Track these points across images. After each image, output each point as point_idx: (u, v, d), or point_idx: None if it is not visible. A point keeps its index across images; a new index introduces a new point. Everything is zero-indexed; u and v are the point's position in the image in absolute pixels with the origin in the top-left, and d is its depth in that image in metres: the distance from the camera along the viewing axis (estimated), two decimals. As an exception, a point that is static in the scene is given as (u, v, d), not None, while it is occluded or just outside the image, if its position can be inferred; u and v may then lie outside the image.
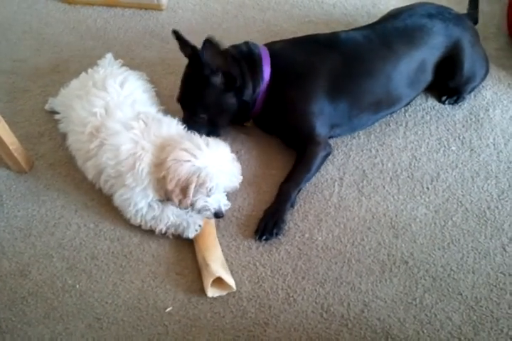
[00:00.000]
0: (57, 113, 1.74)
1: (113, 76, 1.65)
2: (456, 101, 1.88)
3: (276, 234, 1.53)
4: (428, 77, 1.77)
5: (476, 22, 1.92)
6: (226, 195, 1.52)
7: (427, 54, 1.72)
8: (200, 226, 1.50)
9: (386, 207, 1.62)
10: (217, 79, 1.61)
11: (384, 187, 1.66)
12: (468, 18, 1.88)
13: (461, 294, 1.44)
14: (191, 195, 1.42)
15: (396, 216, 1.60)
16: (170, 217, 1.50)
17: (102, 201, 1.61)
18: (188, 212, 1.51)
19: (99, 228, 1.56)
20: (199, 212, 1.48)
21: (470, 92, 1.88)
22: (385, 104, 1.74)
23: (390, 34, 1.71)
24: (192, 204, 1.45)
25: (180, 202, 1.44)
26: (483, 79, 1.88)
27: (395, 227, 1.57)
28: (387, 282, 1.46)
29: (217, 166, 1.42)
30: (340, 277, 1.47)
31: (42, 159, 1.71)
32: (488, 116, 1.84)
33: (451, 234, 1.56)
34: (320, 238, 1.54)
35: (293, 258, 1.50)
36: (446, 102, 1.88)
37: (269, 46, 1.72)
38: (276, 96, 1.67)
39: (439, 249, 1.53)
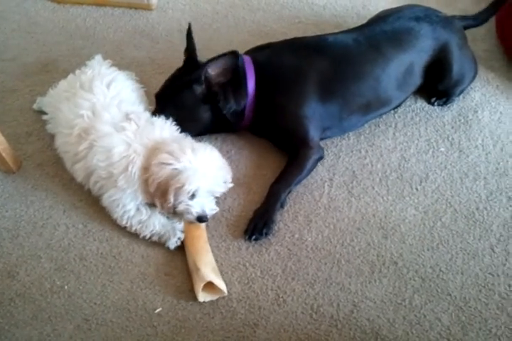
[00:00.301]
0: (46, 113, 1.72)
1: (100, 77, 1.64)
2: (445, 103, 1.89)
3: (266, 234, 1.53)
4: (417, 79, 1.77)
5: (478, 24, 1.92)
6: (215, 198, 1.51)
7: (415, 57, 1.73)
8: (179, 238, 1.49)
9: (375, 207, 1.62)
10: (199, 89, 1.63)
11: (373, 188, 1.67)
12: (467, 19, 1.89)
13: (450, 295, 1.44)
14: (171, 198, 1.41)
15: (385, 217, 1.60)
16: (156, 225, 1.50)
17: (90, 201, 1.59)
18: (172, 222, 1.52)
19: (87, 228, 1.55)
20: (182, 215, 1.47)
21: (459, 94, 1.89)
22: (375, 106, 1.75)
23: (378, 37, 1.71)
24: (174, 208, 1.45)
25: (161, 205, 1.44)
26: (471, 81, 1.90)
27: (385, 228, 1.58)
28: (377, 283, 1.46)
29: (200, 169, 1.41)
30: (329, 278, 1.47)
31: (30, 159, 1.70)
32: (477, 118, 1.85)
33: (440, 234, 1.57)
34: (310, 238, 1.54)
35: (283, 259, 1.50)
36: (436, 104, 1.89)
37: (253, 55, 1.72)
38: (266, 105, 1.67)
39: (428, 250, 1.53)
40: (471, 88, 1.93)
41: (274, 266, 1.49)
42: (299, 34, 2.03)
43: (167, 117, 1.58)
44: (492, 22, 2.14)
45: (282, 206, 1.60)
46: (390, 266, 1.50)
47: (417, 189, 1.67)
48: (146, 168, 1.43)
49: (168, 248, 1.50)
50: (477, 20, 1.93)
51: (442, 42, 1.75)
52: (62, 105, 1.59)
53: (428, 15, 1.77)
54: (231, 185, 1.52)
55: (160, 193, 1.42)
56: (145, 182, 1.44)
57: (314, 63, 1.66)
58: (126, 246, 1.52)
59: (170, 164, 1.40)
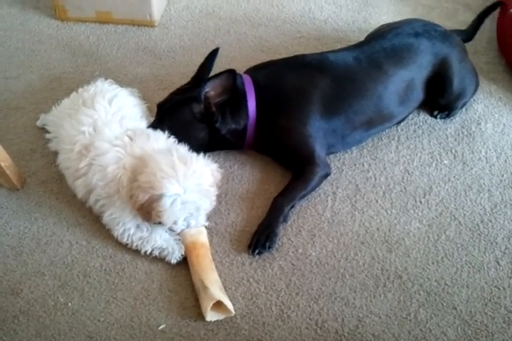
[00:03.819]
0: (49, 131, 1.74)
1: (102, 93, 1.65)
2: (447, 116, 1.89)
3: (269, 248, 1.52)
4: (419, 95, 1.78)
5: (469, 39, 1.94)
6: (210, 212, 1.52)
7: (416, 73, 1.73)
8: (182, 255, 1.49)
9: (379, 221, 1.62)
10: (197, 108, 1.63)
11: (377, 201, 1.66)
12: (461, 33, 1.91)
13: (455, 308, 1.43)
14: (155, 219, 1.42)
15: (389, 230, 1.59)
16: (157, 240, 1.49)
17: (93, 218, 1.59)
18: (174, 237, 1.52)
19: (91, 245, 1.55)
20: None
21: (461, 108, 1.89)
22: (377, 122, 1.75)
23: (378, 55, 1.71)
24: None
25: (147, 221, 1.46)
26: (473, 94, 1.90)
27: (389, 242, 1.57)
28: (382, 297, 1.45)
29: (183, 196, 1.39)
30: (334, 292, 1.46)
31: (34, 176, 1.71)
32: (480, 130, 1.85)
33: (444, 248, 1.56)
34: (313, 253, 1.54)
35: (286, 274, 1.50)
36: (438, 117, 1.89)
37: (253, 74, 1.73)
38: (269, 125, 1.67)
39: (432, 263, 1.52)
40: (474, 100, 1.93)
41: (278, 281, 1.48)
42: (301, 49, 2.06)
43: (163, 129, 1.59)
44: (493, 34, 2.16)
45: (285, 220, 1.59)
46: (394, 280, 1.48)
47: (420, 202, 1.66)
48: (133, 181, 1.43)
49: (170, 263, 1.50)
50: (468, 34, 1.96)
51: (442, 56, 1.75)
52: (64, 122, 1.60)
53: (427, 31, 1.77)
54: (213, 204, 1.50)
55: (144, 213, 1.42)
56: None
57: (316, 82, 1.67)
58: (129, 263, 1.52)
59: (149, 188, 1.38)
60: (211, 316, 1.39)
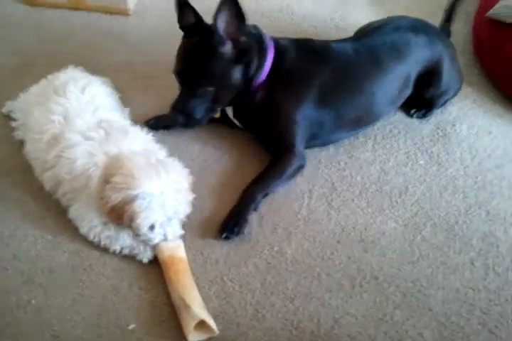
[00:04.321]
0: (14, 119, 1.65)
1: (74, 81, 1.58)
2: (424, 115, 1.89)
3: (237, 233, 1.50)
4: (409, 90, 1.77)
5: (448, 35, 1.94)
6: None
7: (412, 68, 1.72)
8: (153, 254, 1.43)
9: (355, 220, 1.59)
10: (227, 49, 1.50)
11: (353, 200, 1.64)
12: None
13: (431, 310, 1.42)
14: (127, 223, 1.35)
15: (365, 229, 1.57)
16: (125, 239, 1.43)
17: (59, 211, 1.51)
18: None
19: (57, 240, 1.48)
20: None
21: (441, 106, 1.89)
22: (364, 121, 1.74)
23: (378, 48, 1.68)
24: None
25: (118, 225, 1.39)
26: (456, 93, 1.90)
27: (365, 241, 1.55)
28: (358, 297, 1.43)
29: (157, 199, 1.32)
30: (310, 292, 1.43)
31: (-2, 165, 1.62)
32: (455, 131, 1.86)
33: (420, 248, 1.54)
34: (289, 251, 1.50)
35: (262, 273, 1.46)
36: (415, 115, 1.89)
37: (275, 39, 1.65)
38: (267, 95, 1.62)
39: (408, 264, 1.51)
40: (450, 102, 1.93)
41: (253, 280, 1.44)
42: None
43: (199, 95, 1.53)
44: (469, 37, 2.17)
45: (256, 208, 1.57)
46: (370, 280, 1.46)
47: (396, 202, 1.65)
48: (105, 181, 1.35)
49: (140, 261, 1.44)
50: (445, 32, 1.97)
51: (438, 53, 1.75)
52: (33, 110, 1.52)
53: (424, 26, 1.78)
54: (188, 209, 1.44)
55: (115, 216, 1.35)
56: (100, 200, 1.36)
57: (317, 70, 1.63)
58: (97, 259, 1.45)
59: (124, 189, 1.31)
60: (193, 336, 1.30)
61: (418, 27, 1.77)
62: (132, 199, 1.31)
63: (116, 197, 1.31)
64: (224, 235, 1.49)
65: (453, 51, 1.84)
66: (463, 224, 1.61)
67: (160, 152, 1.49)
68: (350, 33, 1.91)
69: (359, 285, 1.45)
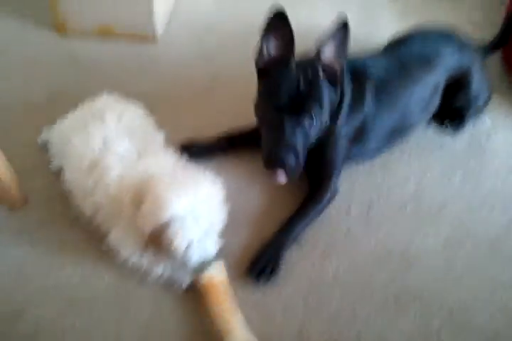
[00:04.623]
0: (51, 148, 1.68)
1: (111, 107, 1.61)
2: (457, 127, 1.87)
3: (269, 279, 1.44)
4: (437, 101, 1.76)
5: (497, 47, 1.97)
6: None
7: (442, 77, 1.71)
8: (191, 282, 1.41)
9: (396, 237, 1.57)
10: (329, 76, 1.45)
11: (392, 217, 1.62)
12: (491, 43, 1.94)
13: (479, 327, 1.38)
14: (165, 250, 1.31)
15: (406, 247, 1.55)
16: (166, 264, 1.41)
17: (99, 238, 1.50)
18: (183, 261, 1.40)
19: (97, 267, 1.48)
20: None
21: (473, 116, 1.87)
22: (399, 133, 1.72)
23: (408, 61, 1.67)
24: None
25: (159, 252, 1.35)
26: (487, 103, 1.88)
27: (407, 259, 1.52)
28: (403, 316, 1.40)
29: (190, 217, 1.28)
30: (354, 312, 1.41)
31: (36, 194, 1.63)
32: (490, 145, 1.84)
33: (463, 265, 1.52)
34: (330, 270, 1.49)
35: (303, 293, 1.44)
36: (449, 126, 1.87)
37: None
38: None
39: (452, 281, 1.48)
40: (483, 113, 1.91)
41: (295, 301, 1.42)
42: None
43: (303, 126, 1.42)
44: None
45: (290, 243, 1.52)
46: (414, 298, 1.44)
47: (436, 218, 1.63)
48: (136, 207, 1.33)
49: (179, 289, 1.43)
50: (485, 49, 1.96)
51: (467, 61, 1.74)
52: (72, 137, 1.54)
53: (452, 35, 1.77)
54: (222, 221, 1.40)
55: (153, 245, 1.33)
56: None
57: (364, 89, 1.59)
58: (138, 285, 1.45)
59: (155, 216, 1.27)
60: None
61: (446, 35, 1.77)
62: (165, 225, 1.28)
63: (149, 228, 1.29)
64: (254, 278, 1.44)
65: (482, 60, 1.83)
66: (505, 239, 1.58)
67: (191, 167, 1.46)
68: (379, 46, 1.90)
69: (403, 303, 1.43)
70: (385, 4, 2.46)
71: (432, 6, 2.42)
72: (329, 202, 1.60)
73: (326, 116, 1.47)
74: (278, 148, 1.41)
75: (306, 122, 1.42)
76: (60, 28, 2.18)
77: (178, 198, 1.29)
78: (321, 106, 1.43)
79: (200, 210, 1.31)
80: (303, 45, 2.00)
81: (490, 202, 1.67)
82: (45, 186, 1.66)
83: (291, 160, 1.41)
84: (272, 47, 1.46)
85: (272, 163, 1.44)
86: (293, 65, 1.44)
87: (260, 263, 1.46)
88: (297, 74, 1.42)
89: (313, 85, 1.42)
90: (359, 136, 1.62)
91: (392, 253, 1.53)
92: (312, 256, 1.52)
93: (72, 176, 1.52)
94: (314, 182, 1.62)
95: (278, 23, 1.41)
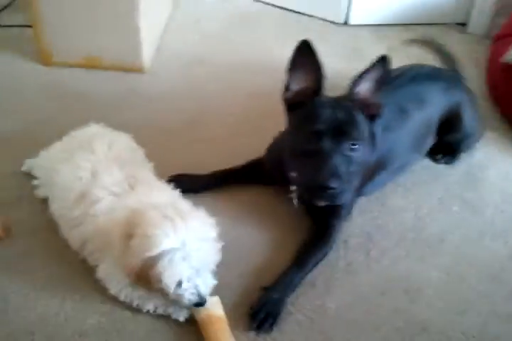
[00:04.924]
0: (37, 176, 1.60)
1: (100, 136, 1.55)
2: (451, 161, 1.86)
3: (270, 328, 1.34)
4: (432, 137, 1.76)
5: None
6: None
7: (434, 115, 1.70)
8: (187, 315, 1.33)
9: (397, 270, 1.52)
10: (357, 108, 1.41)
11: (392, 249, 1.58)
12: None
13: (488, 362, 1.33)
14: (155, 287, 1.24)
15: (408, 280, 1.50)
16: (159, 297, 1.32)
17: (87, 271, 1.43)
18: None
19: (86, 301, 1.39)
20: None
21: (466, 151, 1.87)
22: (398, 171, 1.71)
23: (400, 100, 1.65)
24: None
25: (148, 291, 1.28)
26: (479, 137, 1.89)
27: (410, 291, 1.47)
28: (409, 352, 1.34)
29: (180, 252, 1.21)
30: (358, 348, 1.34)
31: (21, 225, 1.55)
32: (485, 176, 1.83)
33: (467, 297, 1.47)
34: (332, 306, 1.42)
35: (305, 330, 1.36)
36: (442, 161, 1.86)
37: None
38: None
39: (457, 314, 1.42)
40: (475, 147, 1.91)
41: (297, 338, 1.34)
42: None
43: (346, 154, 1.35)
44: (483, 84, 2.18)
45: (294, 289, 1.43)
46: (420, 332, 1.37)
47: (436, 249, 1.59)
48: (125, 240, 1.26)
49: (176, 320, 1.34)
50: None
51: (457, 98, 1.74)
52: (59, 167, 1.47)
53: (440, 73, 1.78)
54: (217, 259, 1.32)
55: (142, 283, 1.26)
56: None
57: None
58: (130, 320, 1.35)
59: (143, 252, 1.20)
60: None
61: (434, 74, 1.77)
62: (153, 261, 1.20)
63: (137, 264, 1.21)
64: (255, 328, 1.34)
65: (472, 96, 1.84)
66: (508, 269, 1.54)
67: (185, 203, 1.40)
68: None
69: (409, 338, 1.36)
70: (374, 40, 2.49)
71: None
72: (335, 243, 1.54)
73: (367, 147, 1.41)
74: (323, 177, 1.30)
75: (350, 147, 1.35)
76: (45, 59, 2.15)
77: (167, 235, 1.21)
78: (361, 133, 1.38)
79: (191, 248, 1.23)
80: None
81: (490, 234, 1.64)
82: (31, 217, 1.58)
83: (339, 189, 1.32)
84: (300, 80, 1.42)
85: (318, 195, 1.36)
86: (324, 95, 1.41)
87: (262, 312, 1.36)
88: (332, 104, 1.39)
89: (350, 114, 1.38)
90: (373, 173, 1.59)
91: (394, 285, 1.48)
92: (312, 291, 1.45)
93: (58, 207, 1.45)
94: (320, 222, 1.55)
95: (304, 55, 1.37)
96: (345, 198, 1.37)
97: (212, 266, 1.33)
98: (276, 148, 1.62)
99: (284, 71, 1.42)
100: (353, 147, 1.36)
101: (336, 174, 1.31)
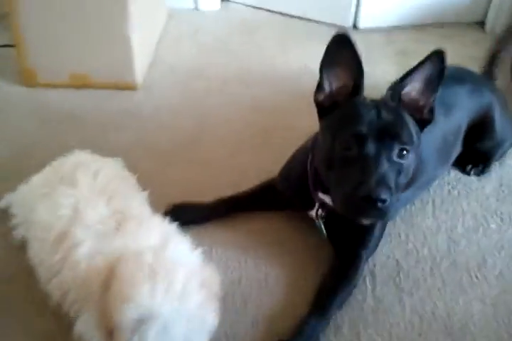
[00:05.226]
0: (14, 216, 1.41)
1: (84, 167, 1.35)
2: (482, 172, 1.66)
3: None
4: (459, 147, 1.56)
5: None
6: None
7: (462, 120, 1.51)
8: None
9: (434, 304, 1.31)
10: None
11: (425, 279, 1.37)
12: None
13: None
14: None
15: (448, 315, 1.29)
16: None
17: (69, 324, 1.19)
18: None
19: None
20: None
21: (499, 159, 1.68)
22: (419, 185, 1.48)
23: None
24: None
25: None
26: (511, 145, 1.69)
27: (451, 329, 1.26)
28: None
29: (163, 321, 0.97)
30: None
31: (-5, 272, 1.36)
32: (523, 186, 1.62)
33: (520, 332, 1.26)
34: (364, 351, 1.21)
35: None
36: (472, 172, 1.66)
37: None
38: None
39: (510, 350, 1.22)
40: (508, 155, 1.72)
41: None
42: (302, 106, 1.82)
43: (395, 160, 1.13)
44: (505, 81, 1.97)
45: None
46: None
47: (476, 277, 1.38)
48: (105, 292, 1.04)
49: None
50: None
51: (487, 100, 1.55)
52: (37, 204, 1.27)
53: (467, 74, 1.59)
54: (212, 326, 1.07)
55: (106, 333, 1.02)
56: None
57: None
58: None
59: (109, 316, 0.99)
60: None
61: (460, 75, 1.57)
62: (125, 326, 0.97)
63: (109, 324, 0.99)
64: None
65: (502, 97, 1.64)
66: None
67: (179, 244, 1.17)
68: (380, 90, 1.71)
69: (456, 389, 1.15)
70: (385, 43, 2.32)
71: (430, 45, 2.27)
72: (362, 277, 1.33)
73: (416, 155, 1.20)
74: (369, 186, 1.07)
75: (398, 152, 1.13)
76: (29, 80, 1.97)
77: (142, 299, 0.97)
78: (411, 137, 1.16)
79: (173, 317, 0.98)
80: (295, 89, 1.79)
81: (537, 252, 1.43)
82: (7, 260, 1.39)
83: (389, 202, 1.08)
84: (336, 78, 1.21)
85: (363, 209, 1.11)
86: (364, 93, 1.21)
87: None
88: (376, 103, 1.19)
89: (398, 115, 1.18)
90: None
91: (432, 324, 1.27)
92: (338, 338, 1.24)
93: (36, 251, 1.24)
94: (345, 252, 1.34)
95: (341, 50, 1.17)
96: (393, 215, 1.16)
97: (207, 334, 1.08)
98: (296, 164, 1.42)
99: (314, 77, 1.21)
100: (403, 153, 1.14)
101: (385, 183, 1.08)
